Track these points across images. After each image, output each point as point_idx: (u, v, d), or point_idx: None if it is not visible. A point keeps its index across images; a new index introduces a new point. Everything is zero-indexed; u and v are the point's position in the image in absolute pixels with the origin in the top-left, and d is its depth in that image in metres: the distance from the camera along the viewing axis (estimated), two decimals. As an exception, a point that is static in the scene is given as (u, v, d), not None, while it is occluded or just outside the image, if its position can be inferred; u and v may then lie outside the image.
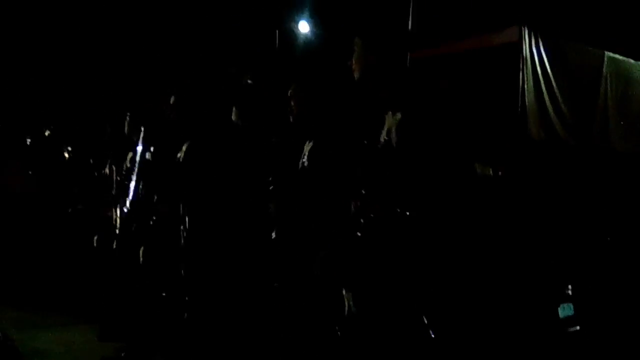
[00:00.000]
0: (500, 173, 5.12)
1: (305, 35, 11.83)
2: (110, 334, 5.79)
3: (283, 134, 4.53)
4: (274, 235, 4.04)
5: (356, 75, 3.23)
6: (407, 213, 2.87)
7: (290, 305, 3.92)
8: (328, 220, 3.48)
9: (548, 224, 4.98)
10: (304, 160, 3.84)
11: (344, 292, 3.25)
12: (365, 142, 3.20)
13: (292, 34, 11.83)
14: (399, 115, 3.06)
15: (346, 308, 3.25)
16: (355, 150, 3.29)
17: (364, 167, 3.13)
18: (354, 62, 3.21)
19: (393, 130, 2.97)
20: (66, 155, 8.21)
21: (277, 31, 12.20)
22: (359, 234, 3.02)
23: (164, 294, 5.37)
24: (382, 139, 3.04)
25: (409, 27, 6.69)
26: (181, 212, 4.86)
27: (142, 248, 5.19)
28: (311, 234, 3.63)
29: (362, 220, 2.98)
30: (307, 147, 3.80)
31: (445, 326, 3.48)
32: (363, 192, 3.02)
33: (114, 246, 5.62)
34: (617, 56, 7.23)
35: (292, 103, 4.07)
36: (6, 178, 8.33)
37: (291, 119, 4.12)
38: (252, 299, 4.39)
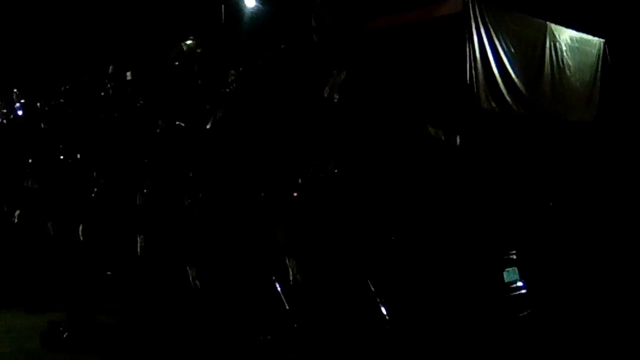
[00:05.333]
0: (452, 140, 5.11)
1: (252, 9, 11.62)
2: (40, 306, 5.71)
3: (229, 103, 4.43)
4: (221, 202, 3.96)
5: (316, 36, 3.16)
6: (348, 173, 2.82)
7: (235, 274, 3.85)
8: (270, 182, 3.42)
9: (495, 191, 5.02)
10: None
11: (287, 260, 3.20)
12: (309, 100, 3.13)
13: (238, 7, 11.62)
14: (343, 74, 3.01)
15: (291, 276, 3.20)
16: (300, 109, 3.22)
17: (306, 125, 3.07)
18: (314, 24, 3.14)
19: (335, 88, 2.91)
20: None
21: (222, 5, 11.94)
22: (295, 194, 2.95)
23: (109, 273, 5.24)
24: (325, 95, 2.98)
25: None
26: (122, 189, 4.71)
27: (80, 226, 5.01)
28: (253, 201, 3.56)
29: (300, 181, 2.92)
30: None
31: (393, 293, 3.46)
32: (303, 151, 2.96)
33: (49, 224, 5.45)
34: (559, 27, 7.33)
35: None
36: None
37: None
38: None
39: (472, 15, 6.42)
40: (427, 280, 3.96)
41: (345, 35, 3.23)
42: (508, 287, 4.52)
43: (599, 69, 7.83)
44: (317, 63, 3.45)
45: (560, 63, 7.24)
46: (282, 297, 3.57)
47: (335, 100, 2.90)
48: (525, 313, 4.50)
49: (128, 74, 5.31)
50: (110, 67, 4.98)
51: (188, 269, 3.56)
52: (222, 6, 12.17)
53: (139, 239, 4.49)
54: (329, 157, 2.88)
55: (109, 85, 5.01)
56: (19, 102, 6.99)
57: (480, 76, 6.34)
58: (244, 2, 11.37)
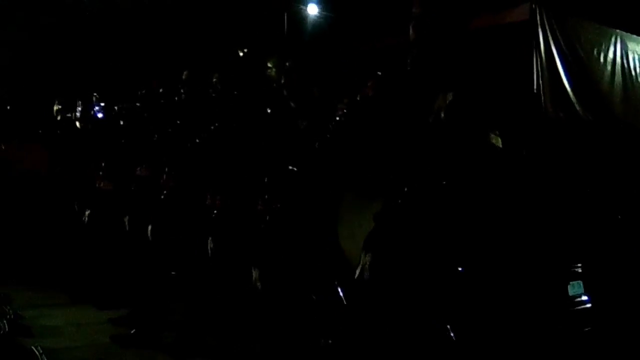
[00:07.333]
0: (523, 151, 5.04)
1: (314, 17, 11.73)
2: (109, 303, 5.91)
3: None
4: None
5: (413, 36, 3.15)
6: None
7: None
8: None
9: (561, 203, 4.91)
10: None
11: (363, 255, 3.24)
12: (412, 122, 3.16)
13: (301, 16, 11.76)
14: (450, 96, 3.01)
15: (358, 272, 3.24)
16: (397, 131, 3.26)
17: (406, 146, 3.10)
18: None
19: (442, 111, 2.92)
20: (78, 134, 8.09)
21: (285, 14, 12.11)
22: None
23: (173, 273, 5.40)
24: (431, 119, 3.00)
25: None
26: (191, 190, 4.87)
27: (150, 225, 5.20)
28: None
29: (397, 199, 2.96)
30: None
31: (460, 305, 3.45)
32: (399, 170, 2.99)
33: (125, 224, 5.66)
34: (629, 34, 7.15)
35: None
36: (30, 162, 8.24)
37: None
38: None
39: (539, 23, 6.35)
40: (491, 292, 3.92)
41: (443, 46, 3.22)
42: (572, 300, 4.41)
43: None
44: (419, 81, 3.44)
45: (632, 71, 7.06)
46: (344, 301, 3.62)
47: (443, 122, 2.91)
48: (590, 328, 4.38)
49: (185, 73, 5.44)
50: (184, 73, 5.19)
51: (252, 271, 3.64)
52: (285, 14, 12.38)
53: (209, 241, 4.63)
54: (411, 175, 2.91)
55: (182, 91, 5.22)
56: (98, 105, 7.31)
57: (548, 85, 6.24)
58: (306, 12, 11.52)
